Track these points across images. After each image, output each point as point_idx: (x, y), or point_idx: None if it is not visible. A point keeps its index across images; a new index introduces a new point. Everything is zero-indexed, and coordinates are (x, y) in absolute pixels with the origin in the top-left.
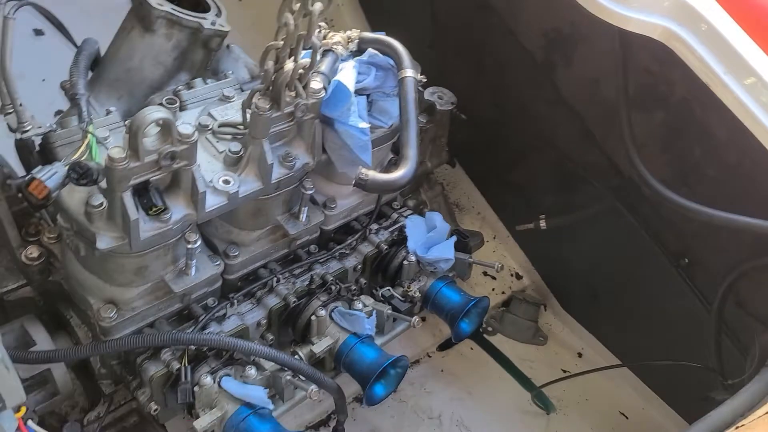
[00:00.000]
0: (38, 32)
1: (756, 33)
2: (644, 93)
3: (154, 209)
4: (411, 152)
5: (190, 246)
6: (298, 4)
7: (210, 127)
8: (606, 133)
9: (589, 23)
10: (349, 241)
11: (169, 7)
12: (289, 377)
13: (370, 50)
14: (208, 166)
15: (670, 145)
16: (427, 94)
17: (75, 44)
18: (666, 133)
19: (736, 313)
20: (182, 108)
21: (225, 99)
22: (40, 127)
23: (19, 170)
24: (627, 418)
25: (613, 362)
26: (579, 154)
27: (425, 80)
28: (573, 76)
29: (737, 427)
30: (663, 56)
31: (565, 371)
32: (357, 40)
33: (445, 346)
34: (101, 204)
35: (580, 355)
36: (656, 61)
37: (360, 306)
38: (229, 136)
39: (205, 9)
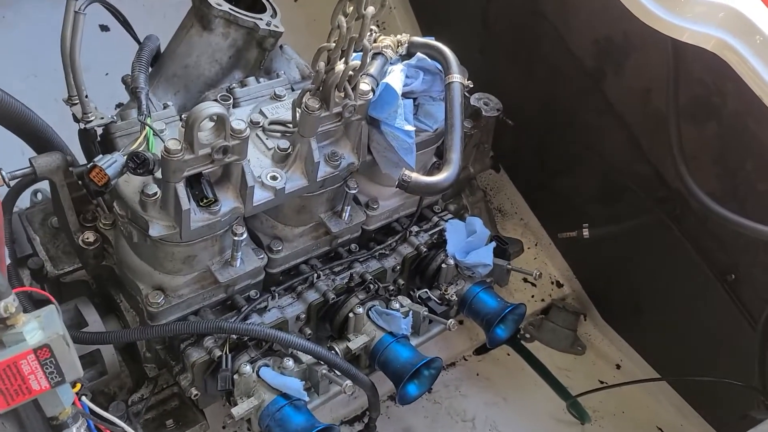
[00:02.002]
0: (104, 28)
1: None
2: (696, 104)
3: (205, 201)
4: (454, 156)
5: (236, 238)
6: (352, 8)
7: (261, 124)
8: (654, 144)
9: (642, 33)
10: (390, 242)
11: (227, 7)
12: (324, 371)
13: (419, 54)
14: (257, 162)
15: (721, 158)
16: (473, 99)
17: (138, 40)
18: (717, 146)
19: None
20: (235, 105)
21: (276, 97)
22: (102, 118)
23: (81, 159)
24: None
25: (652, 376)
26: (625, 164)
27: (472, 86)
28: (623, 85)
29: None
30: (716, 67)
31: (602, 382)
32: (407, 44)
33: (482, 350)
34: (155, 193)
35: (618, 366)
36: (709, 73)
37: (397, 306)
38: (279, 134)
39: (262, 9)
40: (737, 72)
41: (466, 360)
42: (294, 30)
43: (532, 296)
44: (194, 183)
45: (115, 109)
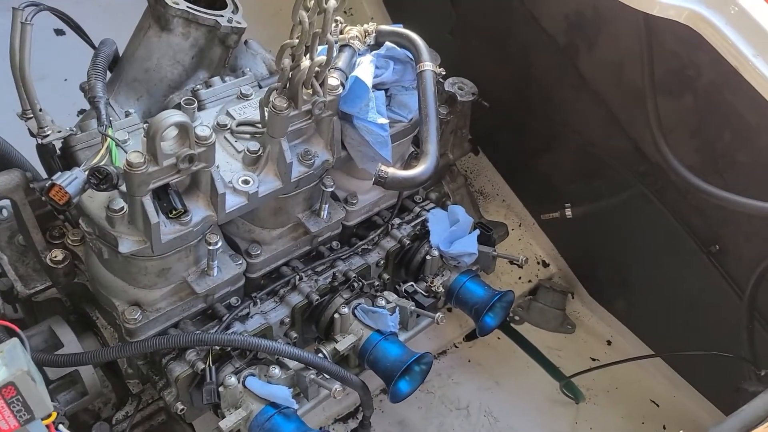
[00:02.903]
0: (59, 32)
1: None
2: (671, 77)
3: (175, 212)
4: (431, 147)
5: (211, 247)
6: (313, 1)
7: (228, 127)
8: (631, 118)
9: (612, 6)
10: (372, 236)
11: (185, 6)
12: (313, 376)
13: (388, 43)
14: (228, 166)
15: (699, 130)
16: (448, 85)
17: (93, 46)
18: (694, 118)
19: None
20: (201, 107)
21: (243, 97)
22: (60, 131)
23: (44, 172)
24: (658, 406)
25: (642, 349)
26: (604, 140)
27: (444, 73)
28: (596, 60)
29: None
30: (690, 39)
31: (594, 359)
32: (374, 34)
33: (472, 336)
34: (122, 208)
35: (609, 342)
36: (683, 45)
37: (383, 303)
38: (248, 135)
39: (222, 6)
40: (711, 44)
41: (456, 347)
42: (259, 22)
43: (519, 278)
44: (162, 194)
45: (78, 115)
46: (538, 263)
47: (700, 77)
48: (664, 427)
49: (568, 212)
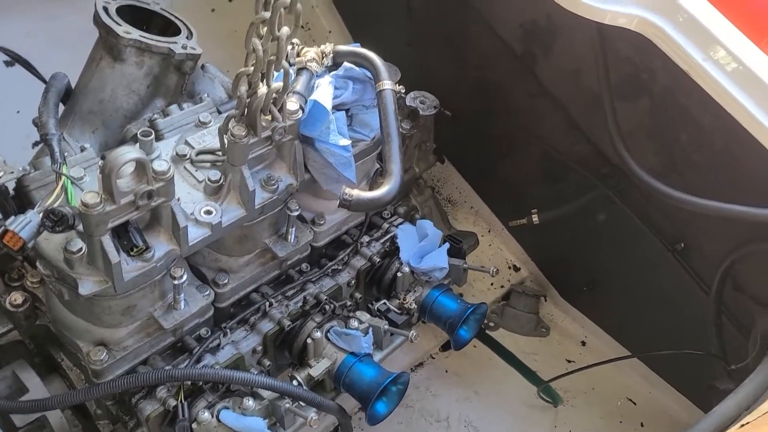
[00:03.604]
0: (9, 63)
1: (734, 17)
2: (626, 82)
3: (136, 249)
4: (395, 167)
5: (176, 281)
6: (266, 29)
7: (188, 156)
8: (591, 123)
9: (565, 14)
10: (341, 256)
11: (137, 35)
12: (288, 405)
13: (346, 64)
14: (189, 197)
15: (656, 133)
16: (409, 99)
17: (43, 80)
18: (651, 122)
19: (736, 297)
20: (158, 138)
21: (201, 125)
22: (12, 172)
23: None
24: (635, 404)
25: (616, 348)
26: (566, 145)
27: (404, 90)
28: (553, 67)
29: (742, 425)
30: (642, 46)
31: (569, 361)
32: (332, 55)
33: (448, 346)
34: (80, 249)
35: (583, 343)
36: (636, 51)
37: (356, 324)
38: (209, 164)
39: (176, 32)
40: (662, 49)
41: (433, 358)
42: (215, 42)
43: (492, 284)
44: (121, 232)
45: (33, 147)
46: (509, 268)
47: (654, 82)
48: (642, 425)
49: (535, 218)
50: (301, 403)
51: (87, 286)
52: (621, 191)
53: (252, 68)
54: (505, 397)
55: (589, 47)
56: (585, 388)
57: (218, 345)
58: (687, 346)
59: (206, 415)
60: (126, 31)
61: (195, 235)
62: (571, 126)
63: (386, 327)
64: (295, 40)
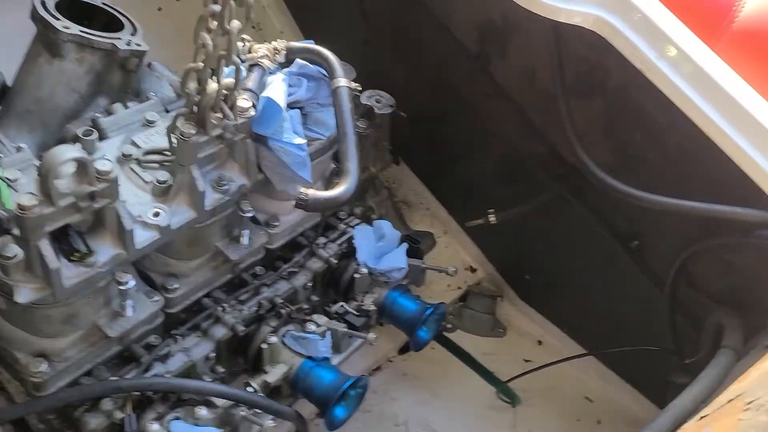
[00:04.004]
0: None
1: (684, 18)
2: (581, 81)
3: (77, 254)
4: (351, 166)
5: (122, 287)
6: (215, 23)
7: (134, 156)
8: (547, 123)
9: (521, 14)
10: (297, 258)
11: (77, 30)
12: (243, 413)
13: (299, 60)
14: (136, 199)
15: (611, 131)
16: (364, 98)
17: None
18: (606, 120)
19: (689, 293)
20: (102, 137)
21: (148, 124)
22: None
23: None
24: (591, 402)
25: (572, 347)
26: (522, 145)
27: (360, 88)
28: (509, 67)
29: (701, 417)
30: (597, 44)
31: (527, 361)
32: (284, 51)
33: (406, 348)
34: (16, 255)
35: (540, 342)
36: (590, 49)
37: (313, 327)
38: (156, 165)
39: (119, 27)
40: (617, 48)
41: (391, 361)
42: (164, 42)
43: (449, 285)
44: (61, 237)
45: None
46: (466, 269)
47: (608, 80)
48: (599, 422)
49: (492, 218)
50: (256, 410)
51: (24, 294)
52: (577, 190)
53: (201, 64)
54: (464, 398)
55: (544, 47)
56: (543, 388)
57: (168, 353)
58: (642, 342)
59: (156, 426)
60: (65, 26)
61: (142, 238)
62: (527, 126)
63: (344, 330)
64: (245, 37)
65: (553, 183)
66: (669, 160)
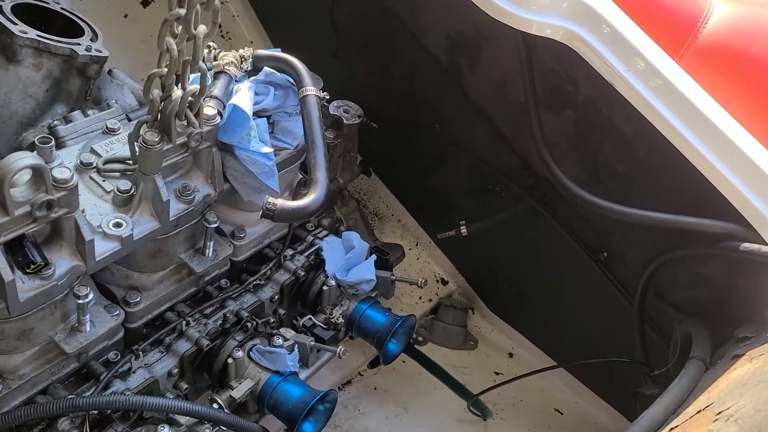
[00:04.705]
0: None
1: (652, 33)
2: (551, 93)
3: (33, 266)
4: (320, 175)
5: (80, 301)
6: (181, 27)
7: (94, 165)
8: (517, 134)
9: (491, 25)
10: (263, 270)
11: (34, 34)
12: (208, 430)
13: (267, 69)
14: (95, 209)
15: (581, 143)
16: (333, 108)
17: None
18: (575, 132)
19: (657, 304)
20: (60, 145)
21: (109, 132)
22: None
23: None
24: (562, 414)
25: (543, 359)
26: (493, 157)
27: (328, 96)
28: (479, 78)
29: (671, 429)
30: (566, 57)
31: (497, 373)
32: (251, 59)
33: (377, 362)
34: None
35: (510, 355)
36: (560, 62)
37: (280, 341)
38: (117, 174)
39: (79, 33)
40: (587, 60)
41: (361, 375)
42: (128, 49)
43: (420, 298)
44: (16, 248)
45: None
46: (437, 281)
47: (578, 93)
48: None
49: (463, 230)
50: (222, 427)
51: None
52: (547, 203)
53: (165, 69)
54: (435, 412)
55: (514, 58)
56: (513, 400)
57: (129, 369)
58: (612, 354)
59: None
60: (22, 30)
61: (103, 249)
62: (498, 138)
63: (312, 343)
64: (212, 44)
65: (523, 195)
66: (637, 172)
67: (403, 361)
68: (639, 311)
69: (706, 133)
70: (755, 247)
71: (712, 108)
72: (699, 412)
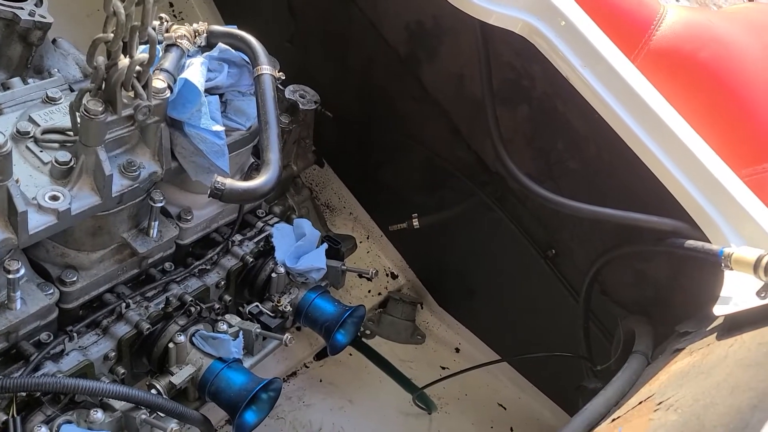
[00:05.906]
0: None
1: (608, 33)
2: (508, 88)
3: None
4: (273, 156)
5: (11, 276)
6: None
7: (32, 134)
8: (472, 129)
9: (451, 16)
10: (210, 255)
11: None
12: (144, 416)
13: (221, 45)
14: (31, 180)
15: (535, 139)
16: (288, 92)
17: None
18: (530, 128)
19: (602, 301)
20: None
21: (49, 101)
22: None
23: None
24: (505, 409)
25: (489, 355)
26: (447, 151)
27: (284, 77)
28: (437, 71)
29: (613, 420)
30: (524, 51)
31: (444, 368)
32: (205, 34)
33: (323, 354)
34: None
35: (457, 350)
36: (518, 56)
37: (224, 327)
38: (56, 144)
39: None
40: (544, 54)
41: (307, 367)
42: (75, 22)
43: (369, 291)
44: None
45: None
46: (387, 275)
47: (534, 88)
48: (512, 429)
49: (416, 222)
50: (159, 413)
51: None
52: (499, 198)
53: (111, 35)
54: (381, 405)
55: (473, 51)
56: (458, 395)
57: (62, 351)
58: (557, 350)
59: (43, 430)
60: None
61: (37, 222)
62: (453, 132)
63: (258, 330)
64: (164, 15)
65: (476, 190)
66: (587, 168)
67: (350, 354)
68: (584, 308)
69: (656, 132)
70: (699, 244)
71: (663, 107)
72: (640, 403)
